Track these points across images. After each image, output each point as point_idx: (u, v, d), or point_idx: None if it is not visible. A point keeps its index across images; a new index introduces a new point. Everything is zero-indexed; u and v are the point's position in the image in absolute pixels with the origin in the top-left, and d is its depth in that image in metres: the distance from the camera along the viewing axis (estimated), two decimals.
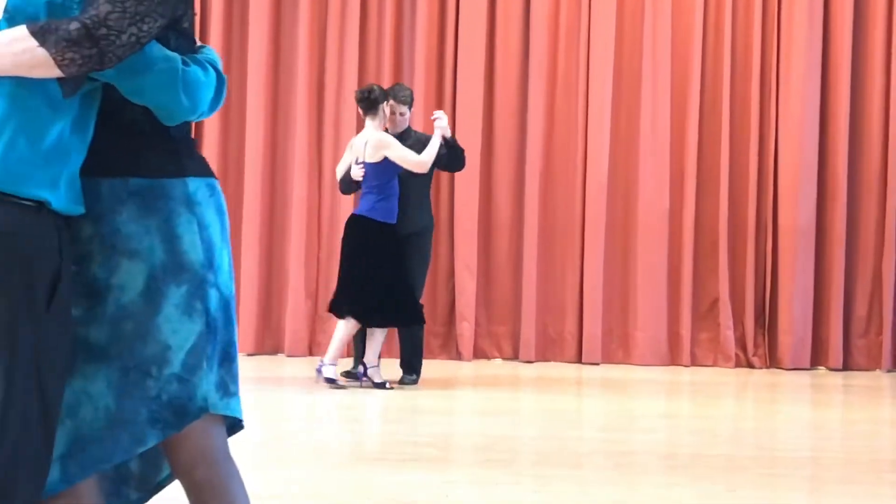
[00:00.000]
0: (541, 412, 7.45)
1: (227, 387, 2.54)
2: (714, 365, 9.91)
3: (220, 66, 2.61)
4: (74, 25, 2.31)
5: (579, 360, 9.88)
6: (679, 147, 10.00)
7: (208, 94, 2.55)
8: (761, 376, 9.65)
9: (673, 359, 9.93)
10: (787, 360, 9.89)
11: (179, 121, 2.52)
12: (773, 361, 10.00)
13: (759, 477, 5.37)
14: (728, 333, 9.94)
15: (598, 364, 9.78)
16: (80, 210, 2.44)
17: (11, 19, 2.36)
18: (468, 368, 9.50)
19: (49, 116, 2.39)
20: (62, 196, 2.40)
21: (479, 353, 9.92)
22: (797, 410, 8.06)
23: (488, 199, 10.01)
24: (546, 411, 7.44)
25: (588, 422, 7.31)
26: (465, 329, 9.82)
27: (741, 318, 9.98)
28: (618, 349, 9.96)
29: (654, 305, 9.90)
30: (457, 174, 9.75)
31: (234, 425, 2.58)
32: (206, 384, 2.49)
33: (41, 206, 2.37)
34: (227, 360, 2.55)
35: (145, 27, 2.37)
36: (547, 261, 9.96)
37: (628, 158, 10.00)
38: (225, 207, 2.61)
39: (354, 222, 7.90)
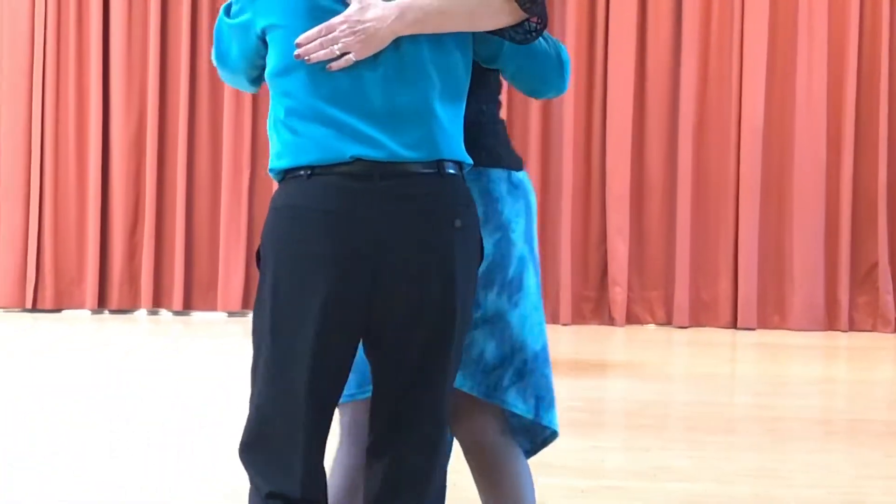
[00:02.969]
0: (693, 377, 7.42)
1: None
2: (872, 330, 9.70)
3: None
4: None
5: (734, 326, 9.77)
6: (836, 107, 9.78)
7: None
8: None
9: (830, 324, 9.75)
10: None
11: (551, 96, 2.74)
12: None
13: None
14: (888, 298, 9.72)
15: (753, 329, 9.66)
16: None
17: None
18: (620, 334, 9.48)
19: (465, 82, 2.54)
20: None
21: (631, 319, 9.89)
22: None
23: (640, 162, 9.94)
24: (698, 376, 7.40)
25: (741, 387, 7.26)
26: (618, 294, 9.80)
27: None
28: (773, 314, 9.82)
29: (810, 269, 9.73)
30: (609, 136, 9.73)
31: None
32: None
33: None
34: None
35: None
36: (700, 224, 9.85)
37: (783, 118, 9.82)
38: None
39: None
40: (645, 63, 9.93)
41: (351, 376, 2.58)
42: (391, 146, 2.39)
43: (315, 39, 2.38)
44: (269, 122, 2.50)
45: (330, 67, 2.39)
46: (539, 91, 2.73)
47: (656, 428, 5.62)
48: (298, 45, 2.39)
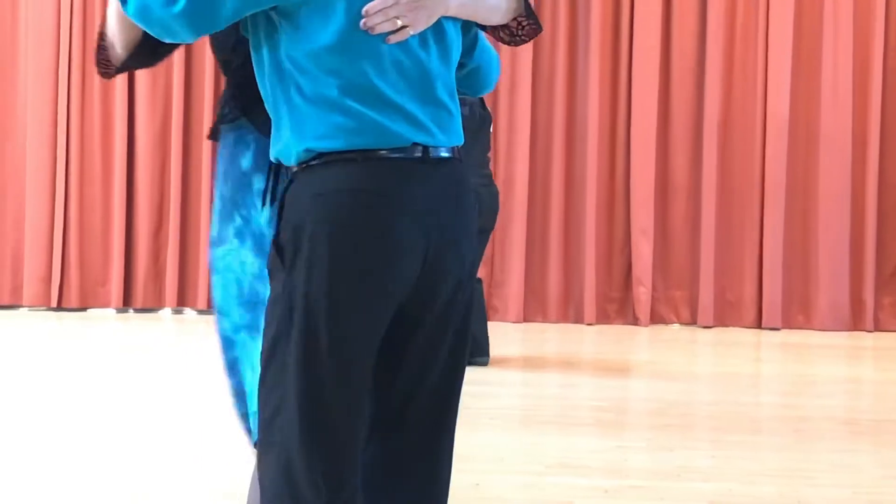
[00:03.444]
0: (718, 377, 7.39)
1: None
2: None
3: None
4: None
5: (759, 326, 9.74)
6: (861, 105, 9.74)
7: None
8: None
9: (855, 324, 9.71)
10: None
11: (481, 94, 2.76)
12: None
13: None
14: None
15: (778, 329, 9.63)
16: None
17: None
18: (645, 333, 9.46)
19: None
20: None
21: (656, 318, 9.87)
22: None
23: (664, 161, 9.91)
24: (723, 376, 7.38)
25: (766, 387, 7.23)
26: (642, 294, 9.78)
27: None
28: (798, 314, 9.78)
29: (836, 269, 9.69)
30: (633, 136, 9.72)
31: None
32: None
33: None
34: None
35: None
36: (725, 224, 9.82)
37: (808, 118, 9.78)
38: None
39: None
40: (669, 62, 9.90)
41: None
42: (437, 131, 2.38)
43: (380, 9, 2.31)
44: (293, 100, 2.35)
45: (388, 40, 2.32)
46: (483, 89, 2.74)
47: (681, 428, 5.61)
48: (365, 14, 2.30)
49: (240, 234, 2.66)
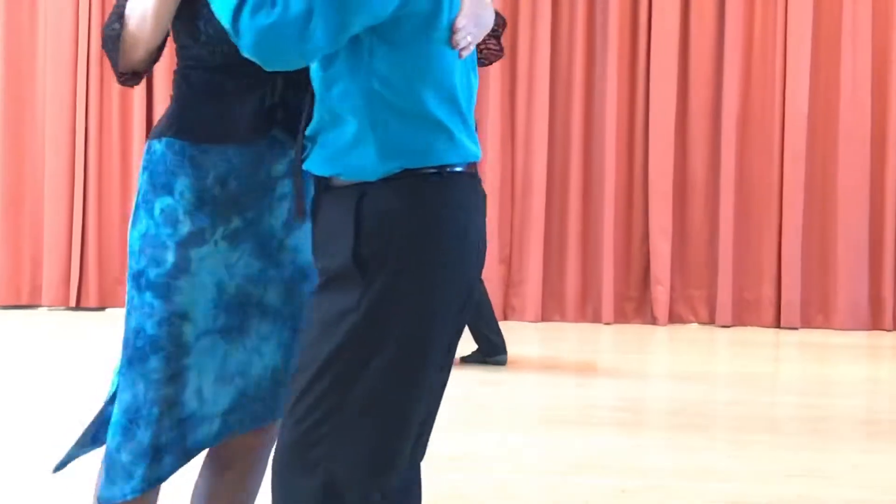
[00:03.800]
0: (736, 377, 7.38)
1: None
2: None
3: None
4: None
5: (778, 325, 9.71)
6: (881, 105, 9.70)
7: None
8: None
9: (874, 323, 9.68)
10: None
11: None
12: None
13: None
14: None
15: (796, 329, 9.60)
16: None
17: None
18: (663, 333, 9.45)
19: None
20: None
21: (674, 318, 9.85)
22: None
23: (683, 160, 9.89)
24: (742, 376, 7.36)
25: (785, 386, 7.21)
26: (660, 293, 9.76)
27: None
28: (817, 313, 9.75)
29: (854, 268, 9.66)
30: (652, 135, 9.70)
31: None
32: None
33: None
34: None
35: None
36: (743, 223, 9.80)
37: (827, 117, 9.75)
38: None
39: None
40: (687, 60, 9.88)
41: (258, 405, 2.59)
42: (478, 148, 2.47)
43: (463, 25, 2.30)
44: (380, 118, 2.31)
45: (461, 55, 2.32)
46: None
47: (699, 427, 5.60)
48: (456, 30, 2.29)
49: (232, 236, 2.55)
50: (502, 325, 8.99)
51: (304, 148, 2.42)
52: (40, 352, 7.86)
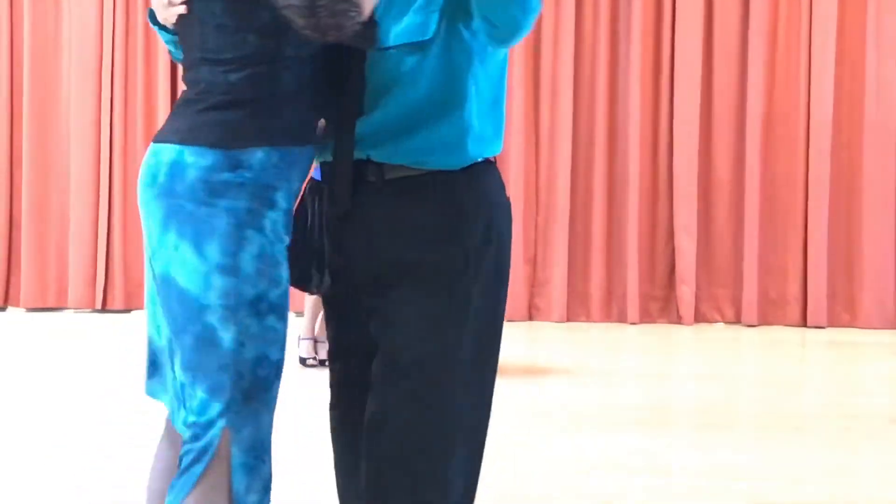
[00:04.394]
0: (762, 376, 7.34)
1: None
2: None
3: None
4: None
5: (804, 324, 9.66)
6: None
7: None
8: None
9: None
10: None
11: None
12: None
13: None
14: None
15: (823, 328, 9.55)
16: None
17: None
18: (688, 332, 9.41)
19: None
20: None
21: (699, 317, 9.81)
22: None
23: (707, 159, 9.86)
24: (768, 375, 7.33)
25: (811, 385, 7.17)
26: (685, 292, 9.73)
27: None
28: (843, 312, 9.70)
29: (881, 267, 9.60)
30: (676, 134, 9.67)
31: None
32: None
33: None
34: None
35: None
36: (768, 221, 9.76)
37: (852, 114, 9.70)
38: None
39: None
40: (712, 59, 9.84)
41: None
42: None
43: None
44: (474, 107, 2.36)
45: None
46: None
47: (725, 427, 5.57)
48: None
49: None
50: (527, 325, 8.98)
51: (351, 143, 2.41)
52: (66, 354, 7.90)
